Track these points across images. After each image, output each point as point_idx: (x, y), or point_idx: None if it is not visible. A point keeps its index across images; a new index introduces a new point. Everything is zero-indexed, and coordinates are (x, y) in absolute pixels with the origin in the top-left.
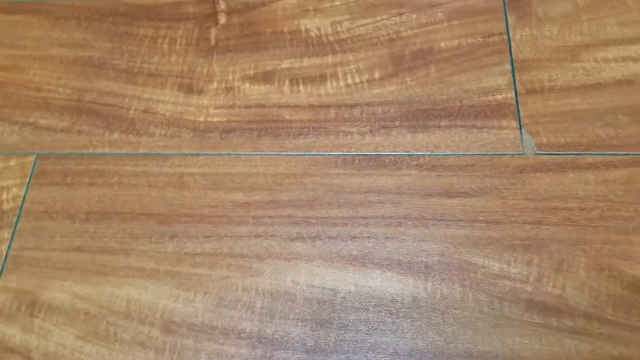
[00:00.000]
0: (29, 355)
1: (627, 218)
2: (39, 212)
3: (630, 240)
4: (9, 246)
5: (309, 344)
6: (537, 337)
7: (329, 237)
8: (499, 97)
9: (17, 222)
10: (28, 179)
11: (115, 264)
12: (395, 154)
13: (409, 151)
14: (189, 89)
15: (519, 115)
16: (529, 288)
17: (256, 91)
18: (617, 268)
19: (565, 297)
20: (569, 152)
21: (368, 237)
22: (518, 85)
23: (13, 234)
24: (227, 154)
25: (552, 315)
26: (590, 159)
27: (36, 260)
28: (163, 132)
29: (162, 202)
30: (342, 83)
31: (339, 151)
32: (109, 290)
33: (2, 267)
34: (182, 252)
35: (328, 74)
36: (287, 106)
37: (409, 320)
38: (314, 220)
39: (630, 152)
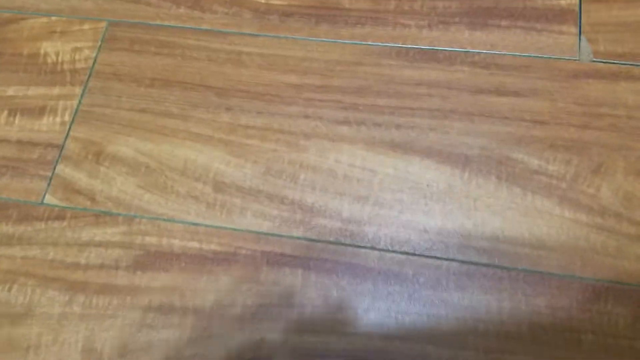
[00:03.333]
0: (93, 197)
1: None
2: (108, 73)
3: None
4: (80, 101)
5: (345, 215)
6: (565, 230)
7: (374, 124)
8: (562, 1)
9: (88, 81)
10: (100, 43)
11: (175, 127)
12: (450, 50)
13: (465, 48)
14: None
15: (580, 22)
16: (564, 185)
17: None
18: None
19: (599, 197)
20: (625, 62)
21: (412, 126)
22: None
23: (84, 90)
24: (284, 37)
25: (583, 212)
26: None
27: (104, 116)
28: (226, 10)
29: (220, 77)
30: None
31: (394, 43)
32: (168, 149)
33: (73, 119)
34: (236, 124)
35: None
36: None
37: (441, 204)
38: (361, 107)
39: None
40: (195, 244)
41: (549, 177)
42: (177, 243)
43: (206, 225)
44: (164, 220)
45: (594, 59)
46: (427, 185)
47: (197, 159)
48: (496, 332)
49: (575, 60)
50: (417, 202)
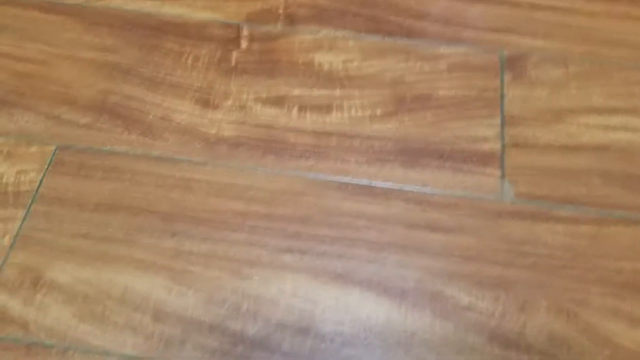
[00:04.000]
0: (27, 326)
1: (588, 269)
2: (52, 197)
3: (589, 289)
4: (21, 226)
5: (285, 348)
6: None
7: (317, 253)
8: (486, 146)
9: (31, 204)
10: (46, 167)
11: (117, 253)
12: (386, 186)
13: (399, 184)
14: (205, 103)
15: (502, 165)
16: (493, 323)
17: (267, 113)
18: (574, 313)
19: (525, 335)
20: (543, 204)
21: (352, 257)
22: (505, 138)
23: (26, 214)
24: (233, 166)
25: (512, 349)
26: (562, 213)
27: (44, 241)
28: (177, 139)
29: (167, 202)
30: (346, 115)
31: (336, 176)
32: (108, 276)
33: (13, 244)
34: (180, 250)
35: (334, 105)
36: (293, 130)
37: (380, 338)
38: (304, 236)
39: (598, 211)
40: None
41: (479, 313)
42: None
43: (143, 359)
44: (99, 353)
45: (516, 200)
46: (367, 317)
47: (138, 287)
48: None
49: (499, 200)
50: (357, 336)
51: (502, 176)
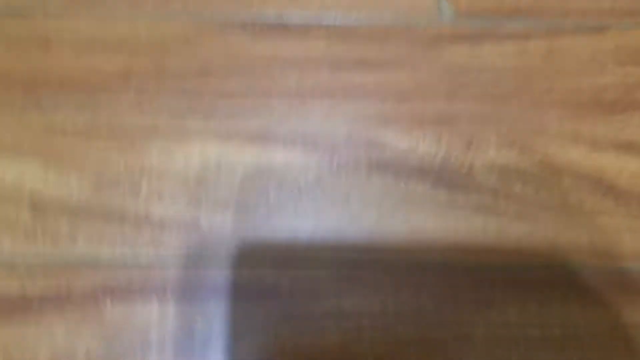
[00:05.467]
0: None
1: (542, 92)
2: None
3: (543, 115)
4: None
5: (204, 227)
6: (443, 214)
7: (226, 113)
8: None
9: None
10: None
11: None
12: (301, 20)
13: (317, 16)
14: None
15: None
16: (437, 165)
17: None
18: (528, 145)
19: (473, 175)
20: (488, 20)
21: (269, 112)
22: None
23: None
24: (100, 15)
25: (459, 192)
26: (508, 28)
27: None
28: None
29: (24, 66)
30: None
31: (237, 12)
32: None
33: None
34: (50, 125)
35: None
36: None
37: (312, 202)
38: (207, 94)
39: (551, 21)
40: (14, 286)
41: (420, 157)
42: None
43: (27, 260)
44: None
45: (455, 21)
46: (294, 179)
47: (5, 177)
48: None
49: (436, 23)
50: (283, 205)
51: None
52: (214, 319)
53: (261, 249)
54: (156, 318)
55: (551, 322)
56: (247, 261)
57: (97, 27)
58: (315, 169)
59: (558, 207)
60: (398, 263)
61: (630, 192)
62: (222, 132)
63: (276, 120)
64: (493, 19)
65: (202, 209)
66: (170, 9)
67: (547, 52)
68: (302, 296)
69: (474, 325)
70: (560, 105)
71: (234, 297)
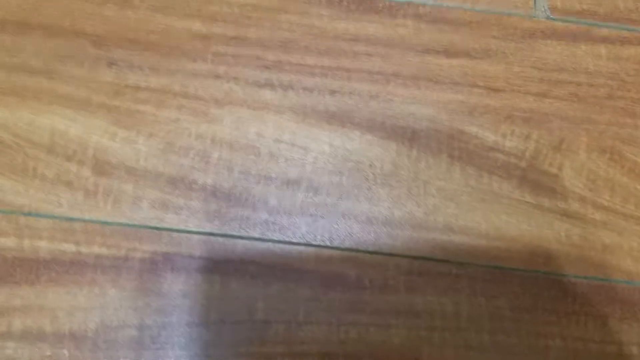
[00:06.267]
0: None
1: (636, 100)
2: None
3: (637, 124)
4: None
5: (272, 204)
6: (526, 217)
7: (304, 88)
8: None
9: None
10: None
11: (36, 86)
12: None
13: None
14: None
15: None
16: (524, 164)
17: None
18: (619, 152)
19: (561, 178)
20: (584, 21)
21: (350, 92)
22: None
23: None
24: None
25: (545, 195)
26: (605, 31)
27: None
28: None
29: (98, 20)
30: None
31: None
32: (28, 117)
33: None
34: (123, 84)
35: None
36: None
37: (387, 188)
38: (287, 67)
39: None
40: (70, 247)
41: (506, 154)
42: (44, 246)
43: (85, 221)
44: (25, 214)
45: (551, 16)
46: (370, 165)
47: (70, 131)
48: (454, 342)
49: (531, 17)
50: (358, 187)
51: None
52: (278, 303)
53: (328, 232)
54: (217, 292)
55: (632, 340)
56: (313, 242)
57: None
58: (393, 155)
59: None
60: (475, 263)
61: None
62: (298, 107)
63: (355, 101)
64: (589, 20)
65: (272, 185)
66: None
67: None
68: (370, 287)
69: (551, 337)
70: None
71: (296, 281)
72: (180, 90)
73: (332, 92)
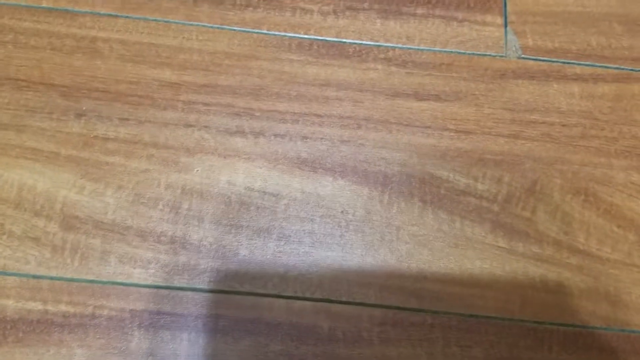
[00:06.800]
0: None
1: (610, 139)
2: None
3: (611, 163)
4: None
5: (243, 254)
6: (500, 263)
7: (275, 135)
8: None
9: None
10: None
11: (4, 141)
12: (360, 43)
13: (377, 41)
14: None
15: (505, 11)
16: (496, 208)
17: None
18: (594, 193)
19: (534, 222)
20: (556, 60)
21: (321, 138)
22: None
23: None
24: (154, 20)
25: (519, 239)
26: (578, 69)
27: None
28: None
29: (67, 71)
30: None
31: (295, 32)
32: None
33: None
34: (91, 135)
35: None
36: None
37: (359, 235)
38: (258, 113)
39: (622, 67)
40: (37, 305)
41: (478, 198)
42: (11, 304)
43: (52, 278)
44: None
45: (522, 56)
46: (342, 211)
47: (38, 185)
48: None
49: (502, 57)
50: (331, 235)
51: (505, 25)
52: (249, 359)
53: (300, 282)
54: (185, 349)
55: None
56: (285, 293)
57: (149, 34)
58: (366, 201)
59: (621, 264)
60: (450, 312)
61: None
62: (270, 154)
63: (327, 147)
64: (561, 58)
65: (242, 235)
66: (227, 21)
67: (615, 98)
68: (343, 339)
69: None
70: (627, 155)
71: (267, 334)
72: (150, 140)
73: (304, 138)
